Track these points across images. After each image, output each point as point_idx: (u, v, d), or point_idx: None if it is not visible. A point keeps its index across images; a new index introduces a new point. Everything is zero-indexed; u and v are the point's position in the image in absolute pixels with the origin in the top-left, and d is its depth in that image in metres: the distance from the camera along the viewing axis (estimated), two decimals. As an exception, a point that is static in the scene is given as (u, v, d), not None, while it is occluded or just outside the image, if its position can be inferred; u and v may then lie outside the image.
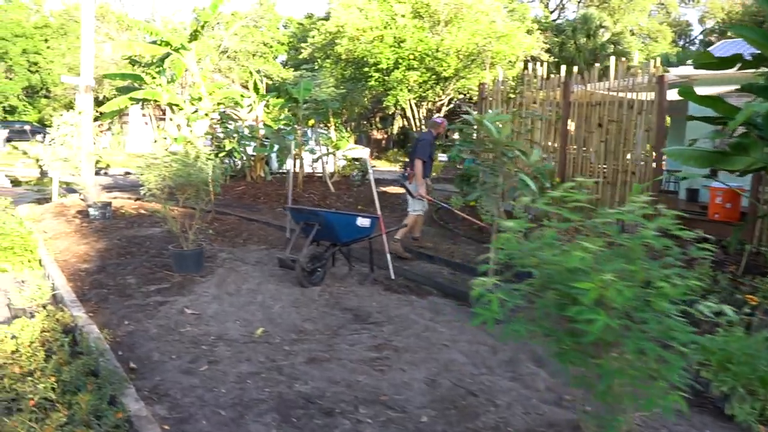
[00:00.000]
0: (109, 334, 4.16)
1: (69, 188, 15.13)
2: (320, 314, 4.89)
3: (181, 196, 5.90)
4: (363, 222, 5.60)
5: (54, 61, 35.94)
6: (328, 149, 13.59)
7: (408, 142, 20.72)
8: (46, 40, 37.46)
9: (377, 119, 32.89)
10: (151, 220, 8.55)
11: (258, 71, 11.78)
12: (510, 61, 11.77)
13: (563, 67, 10.24)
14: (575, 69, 9.76)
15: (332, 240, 5.58)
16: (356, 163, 15.21)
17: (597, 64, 10.58)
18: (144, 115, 28.60)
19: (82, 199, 10.97)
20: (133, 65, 12.04)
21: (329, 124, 13.29)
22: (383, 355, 4.06)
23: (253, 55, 30.93)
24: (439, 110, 12.64)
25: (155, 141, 29.15)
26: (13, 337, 3.80)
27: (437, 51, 10.74)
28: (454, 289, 5.69)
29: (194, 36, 11.37)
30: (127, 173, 20.10)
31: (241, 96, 12.53)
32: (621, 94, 9.01)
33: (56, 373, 3.23)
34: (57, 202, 10.86)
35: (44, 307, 4.76)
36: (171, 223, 5.82)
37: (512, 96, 10.56)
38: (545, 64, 10.58)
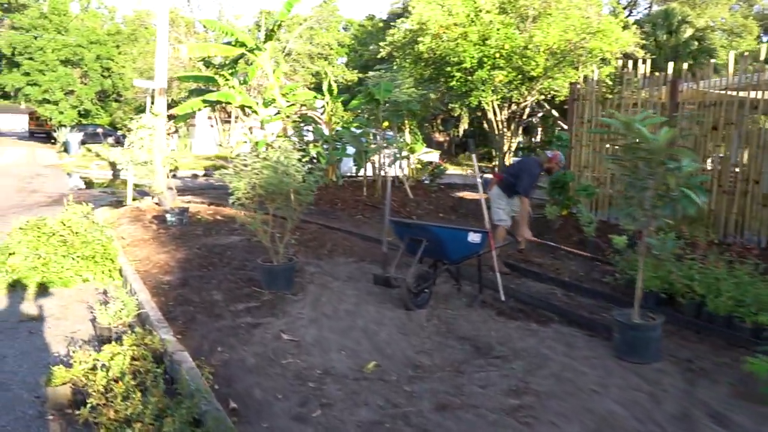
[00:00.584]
0: (203, 363, 3.65)
1: (141, 191, 15.20)
2: (434, 344, 4.25)
3: (270, 205, 5.39)
4: (474, 238, 4.92)
5: (125, 66, 37.07)
6: (402, 153, 13.01)
7: (487, 144, 19.81)
8: (117, 46, 38.71)
9: (438, 121, 32.16)
10: (228, 227, 8.17)
11: (326, 73, 11.27)
12: (602, 59, 10.82)
13: (670, 64, 9.25)
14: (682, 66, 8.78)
15: (441, 257, 4.94)
16: (428, 167, 14.59)
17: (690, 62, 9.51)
18: (210, 117, 28.95)
19: (156, 203, 10.79)
20: (207, 67, 11.84)
21: (404, 127, 12.71)
22: (525, 402, 3.37)
23: (317, 58, 30.85)
24: (522, 112, 11.81)
25: (220, 144, 29.49)
26: (104, 366, 3.34)
27: (526, 48, 9.93)
28: (579, 316, 4.93)
29: (269, 36, 11.03)
30: (194, 175, 20.21)
31: (314, 97, 12.11)
32: (742, 93, 8.01)
33: (156, 421, 2.72)
34: (132, 206, 10.72)
35: (130, 326, 4.34)
36: (262, 236, 5.32)
37: (609, 96, 9.65)
38: (647, 62, 9.60)
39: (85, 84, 37.50)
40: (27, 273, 5.64)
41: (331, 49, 31.98)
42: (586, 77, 10.53)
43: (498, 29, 10.35)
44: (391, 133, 13.38)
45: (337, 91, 12.54)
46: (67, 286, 5.76)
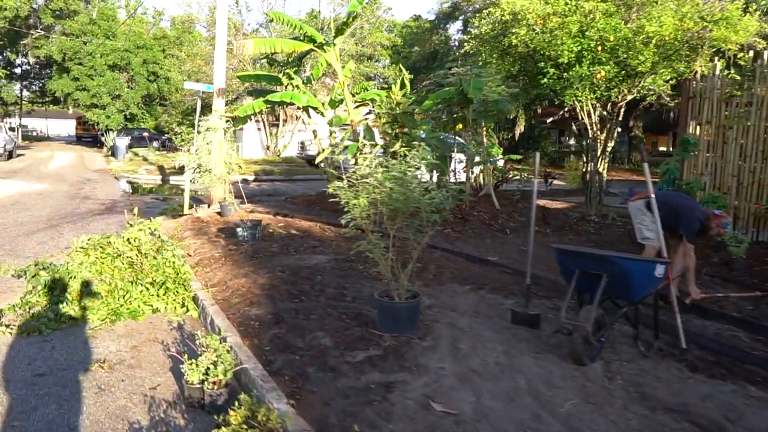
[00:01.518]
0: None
1: (195, 198, 14.44)
2: (641, 421, 3.08)
3: (391, 226, 4.31)
4: (659, 270, 3.74)
5: (171, 69, 36.97)
6: (489, 158, 11.87)
7: (580, 144, 18.31)
8: (163, 50, 38.70)
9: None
10: (307, 243, 7.15)
11: (400, 70, 10.20)
12: (718, 51, 9.45)
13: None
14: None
15: (622, 296, 3.77)
16: (496, 172, 13.41)
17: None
18: (257, 120, 28.30)
19: (218, 213, 9.89)
20: (271, 65, 10.93)
21: (480, 129, 11.55)
22: None
23: (364, 59, 29.97)
24: (617, 112, 10.50)
25: (268, 147, 28.83)
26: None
27: (634, 39, 8.65)
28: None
29: (340, 30, 10.02)
30: (245, 180, 19.48)
31: (386, 96, 11.05)
32: None
33: None
34: (191, 216, 9.85)
35: (227, 386, 3.31)
36: (383, 265, 4.23)
37: (737, 93, 8.29)
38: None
39: (132, 88, 37.56)
40: (90, 303, 4.71)
41: (383, 49, 30.97)
42: (700, 73, 9.19)
43: (600, 19, 9.09)
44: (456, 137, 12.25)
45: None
46: (136, 318, 4.81)
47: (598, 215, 10.26)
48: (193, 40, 40.30)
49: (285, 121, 28.11)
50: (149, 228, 5.51)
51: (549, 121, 21.76)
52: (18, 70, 45.36)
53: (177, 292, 5.11)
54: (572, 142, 43.28)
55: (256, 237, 7.13)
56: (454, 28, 37.00)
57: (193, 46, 36.73)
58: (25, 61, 44.83)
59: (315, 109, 10.95)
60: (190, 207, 11.08)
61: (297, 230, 7.88)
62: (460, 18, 33.95)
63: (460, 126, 12.20)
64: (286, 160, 25.96)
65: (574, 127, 11.65)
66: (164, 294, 5.05)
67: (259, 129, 28.76)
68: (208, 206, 11.82)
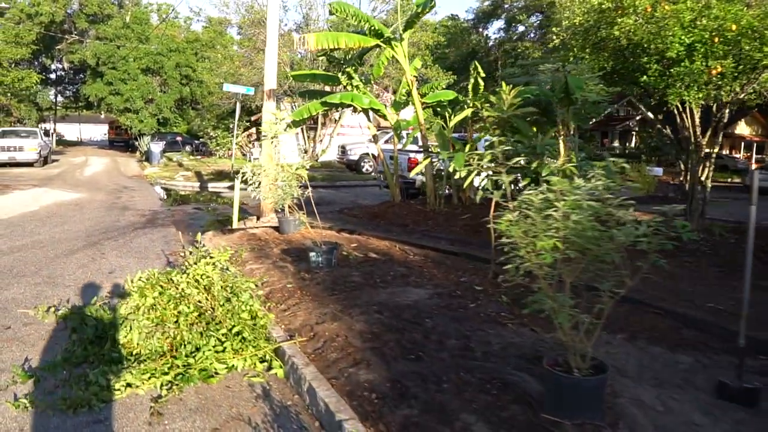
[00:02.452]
0: None
1: (240, 207, 13.48)
2: None
3: (569, 273, 3.11)
4: None
5: (203, 73, 36.44)
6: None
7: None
8: (195, 54, 38.23)
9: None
10: (393, 270, 6.02)
11: (475, 68, 9.03)
12: None
13: None
14: None
15: None
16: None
17: None
18: (293, 124, 27.43)
19: (273, 227, 8.85)
20: (330, 63, 9.87)
21: (559, 132, 10.31)
22: None
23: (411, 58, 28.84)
24: (725, 113, 9.15)
25: (305, 152, 27.88)
26: None
27: (761, 27, 7.34)
28: None
29: (410, 23, 8.91)
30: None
31: (456, 97, 9.90)
32: None
33: None
34: (244, 231, 8.82)
35: None
36: (563, 331, 3.01)
37: None
38: None
39: (164, 92, 37.14)
40: (151, 363, 3.65)
41: (426, 48, 29.80)
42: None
43: (716, 6, 7.79)
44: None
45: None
46: (209, 381, 3.73)
47: (700, 229, 8.93)
48: (226, 43, 39.84)
49: (323, 124, 27.15)
50: (218, 261, 4.43)
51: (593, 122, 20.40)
52: (53, 76, 45.51)
53: (257, 344, 4.02)
54: (616, 144, 41.52)
55: (332, 263, 6.03)
56: (495, 27, 35.68)
57: (226, 49, 36.19)
58: (60, 66, 44.95)
59: (377, 111, 9.85)
60: (239, 219, 10.09)
61: (374, 252, 6.76)
62: (503, 16, 32.61)
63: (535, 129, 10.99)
64: (325, 165, 24.99)
65: (667, 131, 10.33)
66: (242, 346, 3.97)
67: (296, 133, 27.84)
68: (257, 218, 10.83)
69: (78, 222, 10.16)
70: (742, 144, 43.33)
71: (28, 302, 5.37)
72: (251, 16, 24.00)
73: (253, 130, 29.90)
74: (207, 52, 37.78)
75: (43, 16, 33.31)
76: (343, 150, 23.56)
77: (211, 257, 4.40)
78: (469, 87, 9.72)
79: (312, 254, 5.96)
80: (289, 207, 8.01)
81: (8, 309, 5.15)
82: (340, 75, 9.76)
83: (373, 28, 8.57)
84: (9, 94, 31.30)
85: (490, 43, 34.61)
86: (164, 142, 29.94)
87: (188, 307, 4.00)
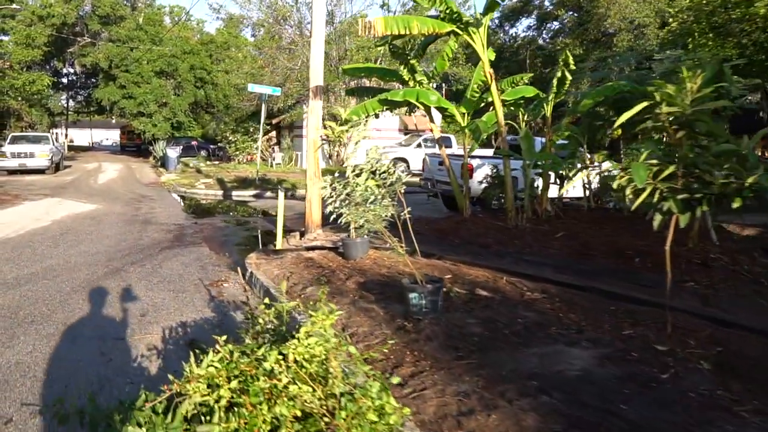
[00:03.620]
0: None
1: (267, 217, 12.05)
2: None
3: None
4: None
5: (218, 75, 35.22)
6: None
7: None
8: (210, 56, 36.99)
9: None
10: (520, 315, 4.55)
11: (566, 59, 7.56)
12: None
13: None
14: None
15: None
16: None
17: None
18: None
19: (331, 249, 7.39)
20: (394, 54, 8.37)
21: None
22: None
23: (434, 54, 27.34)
24: None
25: (330, 156, 26.45)
26: None
27: None
28: None
29: (491, 6, 7.44)
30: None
31: (536, 95, 8.42)
32: None
33: None
34: (295, 254, 7.38)
35: None
36: None
37: None
38: None
39: (179, 95, 35.87)
40: None
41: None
42: None
43: None
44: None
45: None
46: None
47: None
48: (240, 45, 38.59)
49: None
50: (324, 330, 2.96)
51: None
52: (64, 80, 44.45)
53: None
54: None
55: (438, 306, 4.55)
56: (524, 26, 34.13)
57: (240, 51, 34.94)
58: (71, 71, 43.88)
59: (444, 111, 8.39)
60: (282, 236, 8.64)
61: (478, 287, 5.26)
62: (534, 13, 31.04)
63: (618, 132, 9.51)
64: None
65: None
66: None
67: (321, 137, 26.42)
68: (300, 235, 9.39)
69: (96, 241, 8.76)
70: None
71: (38, 368, 3.94)
72: (275, 13, 22.59)
73: (273, 133, 28.56)
74: (222, 54, 36.57)
75: (54, 18, 32.14)
76: (372, 154, 22.08)
77: (312, 319, 2.94)
78: (554, 81, 8.24)
79: (413, 296, 4.48)
80: (380, 231, 6.46)
81: (10, 384, 3.72)
82: (402, 69, 8.30)
83: (449, 10, 7.11)
84: (20, 98, 30.16)
85: (518, 42, 33.06)
86: (180, 147, 28.63)
87: (287, 409, 2.53)
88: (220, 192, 17.19)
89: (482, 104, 8.53)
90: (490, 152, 23.19)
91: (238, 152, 26.47)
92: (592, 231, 7.98)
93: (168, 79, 35.43)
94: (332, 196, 4.80)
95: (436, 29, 7.23)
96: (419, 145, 22.14)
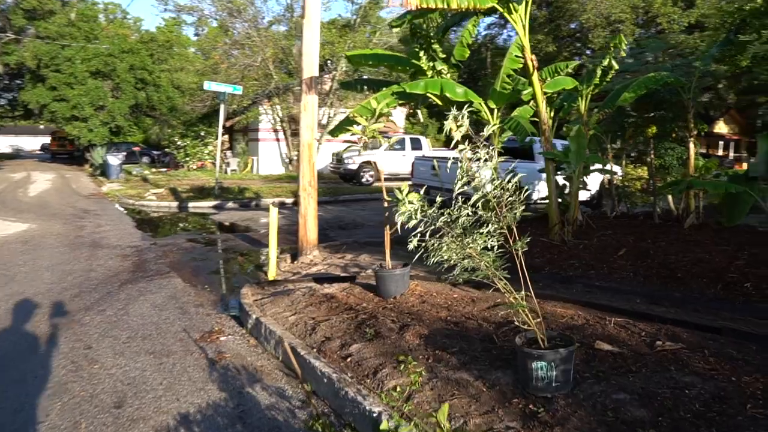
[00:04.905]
0: None
1: (244, 236, 10.26)
2: None
3: None
4: None
5: (161, 76, 32.70)
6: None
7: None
8: (151, 55, 34.30)
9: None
10: (679, 385, 3.19)
11: (621, 39, 6.35)
12: None
13: None
14: None
15: None
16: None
17: None
18: (276, 130, 24.11)
19: (347, 279, 5.82)
20: (415, 36, 6.83)
21: (691, 131, 7.78)
22: None
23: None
24: None
25: (290, 161, 24.62)
26: None
27: None
28: None
29: (533, -25, 6.12)
30: (282, 203, 15.36)
31: (578, 89, 7.17)
32: None
33: None
34: (305, 288, 5.78)
35: None
36: None
37: None
38: None
39: (117, 98, 32.95)
40: None
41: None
42: None
43: None
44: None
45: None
46: None
47: None
48: (184, 44, 36.13)
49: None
50: None
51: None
52: (-16, 82, 40.32)
53: None
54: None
55: (571, 378, 3.12)
56: (487, 22, 33.30)
57: (184, 48, 32.62)
58: (-7, 71, 39.84)
59: (469, 105, 6.98)
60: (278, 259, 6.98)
61: (592, 336, 3.86)
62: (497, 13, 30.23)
63: (653, 129, 8.47)
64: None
65: None
66: None
67: (277, 140, 24.58)
68: (292, 258, 7.78)
69: (32, 276, 6.83)
70: (720, 143, 42.98)
71: None
72: (230, 5, 20.60)
73: (226, 137, 26.43)
74: (165, 53, 34.04)
75: (-29, 12, 28.79)
76: (339, 158, 20.50)
77: None
78: (597, 71, 7.02)
79: (539, 365, 3.03)
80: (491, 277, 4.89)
81: None
82: (422, 54, 6.85)
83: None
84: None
85: (479, 41, 32.24)
86: (124, 154, 26.06)
87: None
88: (175, 204, 15.16)
89: (517, 97, 7.19)
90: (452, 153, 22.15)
91: (188, 158, 24.22)
92: (646, 244, 6.78)
93: (105, 80, 32.46)
94: (417, 219, 3.26)
95: (476, 4, 5.82)
96: (392, 148, 20.71)
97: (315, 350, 4.02)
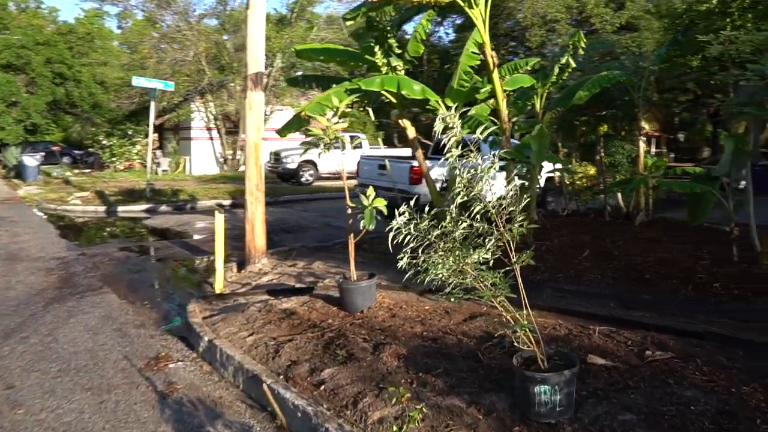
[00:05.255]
0: None
1: (181, 243, 9.53)
2: None
3: None
4: None
5: (82, 70, 30.68)
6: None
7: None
8: (70, 48, 32.07)
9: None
10: (687, 400, 3.00)
11: (579, 40, 6.30)
12: None
13: None
14: None
15: None
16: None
17: None
18: (209, 128, 23.04)
19: (324, 296, 5.38)
20: (371, 28, 6.43)
21: (641, 129, 7.87)
22: None
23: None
24: None
25: (224, 160, 23.62)
26: None
27: None
28: None
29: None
30: (220, 206, 14.59)
31: (532, 85, 7.04)
32: None
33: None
34: (261, 304, 5.31)
35: None
36: None
37: None
38: None
39: (33, 93, 30.57)
40: None
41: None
42: None
43: None
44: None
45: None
46: None
47: None
48: (105, 37, 34.10)
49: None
50: None
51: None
52: None
53: None
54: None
55: (573, 401, 2.88)
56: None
57: (106, 41, 30.76)
58: None
59: (426, 103, 6.74)
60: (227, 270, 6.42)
61: (581, 349, 3.65)
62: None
63: (605, 128, 8.51)
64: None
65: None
66: None
67: (211, 138, 23.51)
68: (238, 268, 7.23)
69: (-62, 296, 5.96)
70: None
71: None
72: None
73: (156, 136, 25.01)
74: (85, 46, 31.95)
75: None
76: (277, 157, 19.79)
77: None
78: (555, 69, 6.92)
79: (542, 389, 2.75)
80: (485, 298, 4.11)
81: None
82: (377, 49, 6.49)
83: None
84: None
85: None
86: (42, 154, 24.16)
87: None
88: (103, 208, 14.06)
89: (474, 95, 6.96)
90: (399, 152, 21.90)
91: (114, 159, 22.72)
92: (606, 244, 6.76)
93: (18, 73, 30.03)
94: (407, 233, 2.91)
95: (436, -4, 5.53)
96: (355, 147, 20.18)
97: (282, 377, 3.59)
